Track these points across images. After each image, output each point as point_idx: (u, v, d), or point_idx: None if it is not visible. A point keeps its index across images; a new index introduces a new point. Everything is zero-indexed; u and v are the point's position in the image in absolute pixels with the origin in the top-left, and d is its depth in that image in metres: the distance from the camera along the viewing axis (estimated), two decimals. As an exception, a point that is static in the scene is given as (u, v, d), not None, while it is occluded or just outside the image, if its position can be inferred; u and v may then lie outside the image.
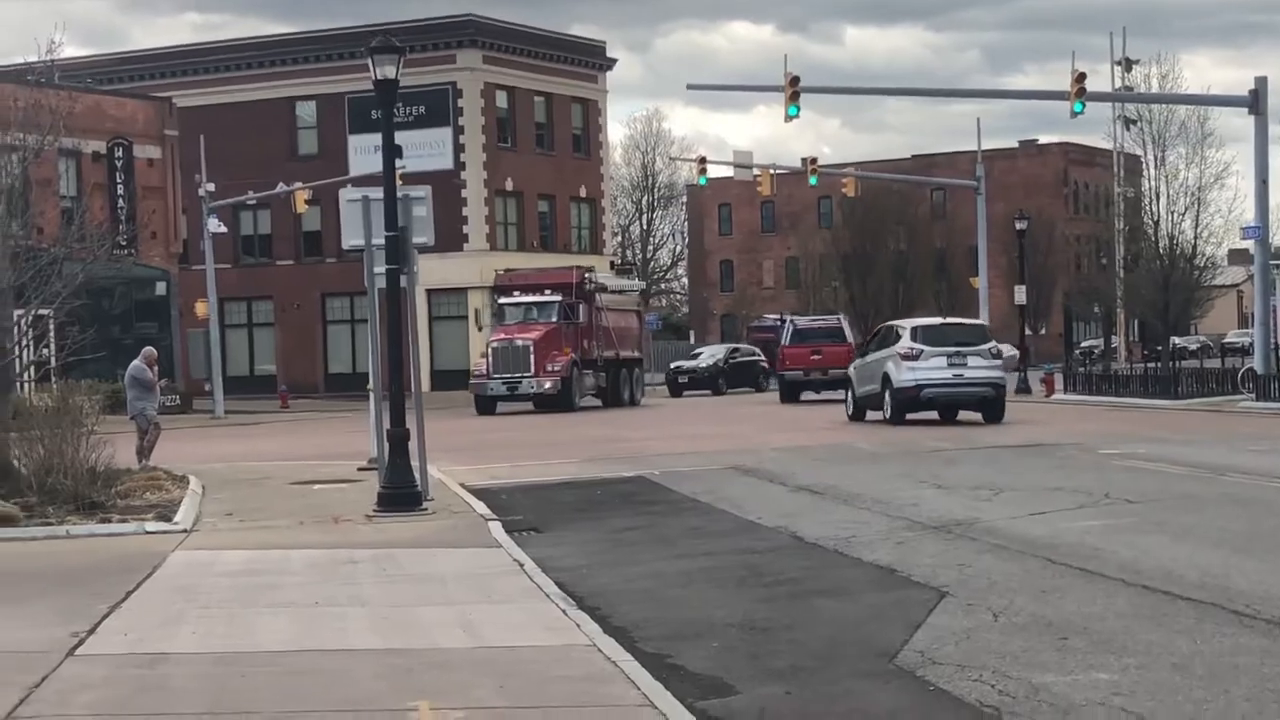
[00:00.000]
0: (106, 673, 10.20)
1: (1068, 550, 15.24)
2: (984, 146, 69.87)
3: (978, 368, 37.03)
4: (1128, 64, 62.26)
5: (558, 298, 54.14)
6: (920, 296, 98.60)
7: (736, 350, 72.83)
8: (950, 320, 47.11)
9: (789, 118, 45.32)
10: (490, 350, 52.62)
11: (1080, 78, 42.68)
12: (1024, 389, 54.91)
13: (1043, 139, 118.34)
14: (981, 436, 32.63)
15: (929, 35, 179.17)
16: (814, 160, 67.57)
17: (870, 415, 38.64)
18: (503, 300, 56.05)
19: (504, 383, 51.71)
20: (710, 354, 72.57)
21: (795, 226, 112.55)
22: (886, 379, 37.11)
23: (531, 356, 51.59)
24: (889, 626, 11.78)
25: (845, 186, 68.71)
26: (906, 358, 36.65)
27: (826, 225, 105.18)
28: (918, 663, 10.52)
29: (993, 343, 39.10)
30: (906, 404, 36.80)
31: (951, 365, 36.58)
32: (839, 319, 60.75)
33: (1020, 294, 61.16)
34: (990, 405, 37.28)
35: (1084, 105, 43.47)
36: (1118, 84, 60.52)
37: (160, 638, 11.52)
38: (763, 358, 68.52)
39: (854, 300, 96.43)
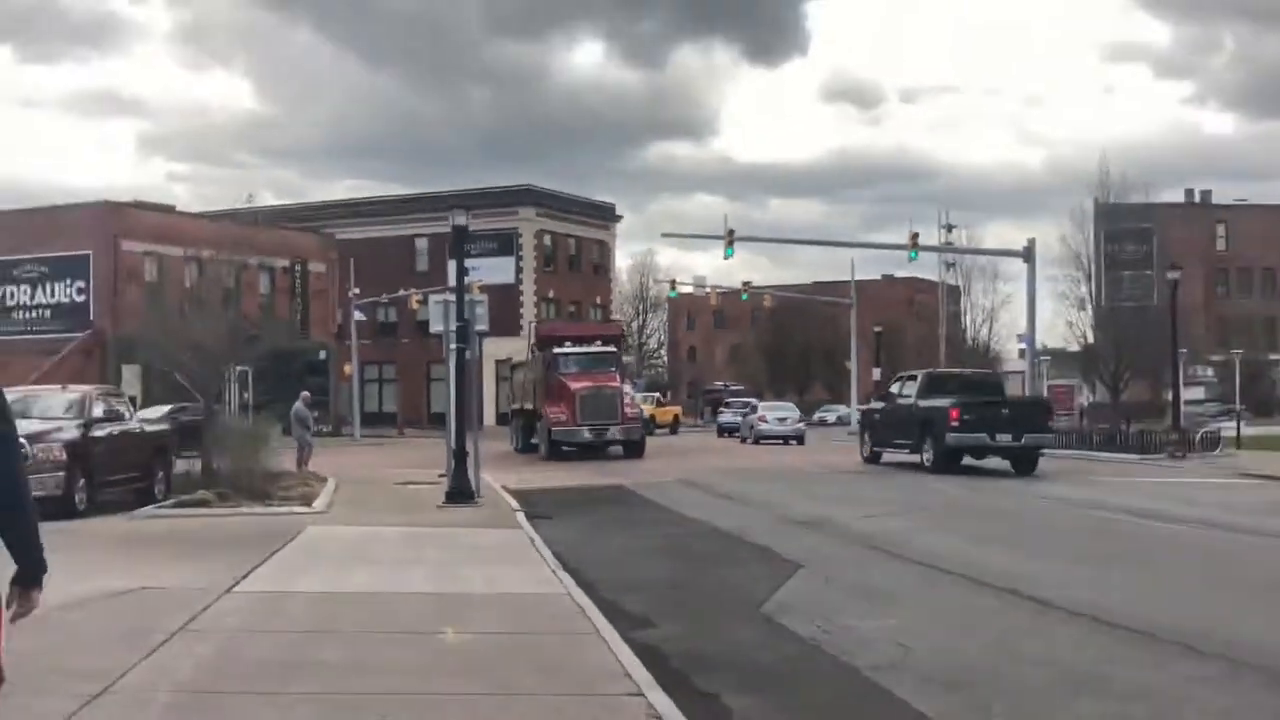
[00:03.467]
0: (248, 604, 10.18)
1: (884, 540, 15.23)
2: (858, 278, 70.25)
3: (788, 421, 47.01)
4: (949, 228, 62.98)
5: (613, 349, 39.45)
6: (814, 375, 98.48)
7: (184, 409, 30.26)
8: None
9: (727, 257, 45.98)
10: (577, 398, 35.14)
11: (914, 236, 43.04)
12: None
13: (898, 274, 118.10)
14: (840, 463, 32.49)
15: (823, 206, 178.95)
16: (748, 284, 68.52)
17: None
18: (558, 351, 37.99)
19: (591, 430, 35.33)
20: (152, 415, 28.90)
21: (736, 326, 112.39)
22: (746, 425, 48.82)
23: (619, 403, 35.77)
24: (761, 586, 11.72)
25: (766, 301, 69.22)
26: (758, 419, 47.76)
27: (756, 325, 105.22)
28: (775, 610, 10.50)
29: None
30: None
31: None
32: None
33: (876, 374, 61.54)
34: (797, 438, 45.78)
35: (917, 254, 43.79)
36: (942, 240, 60.99)
37: (289, 581, 11.49)
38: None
39: (772, 377, 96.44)
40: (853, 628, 9.56)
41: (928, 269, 79.29)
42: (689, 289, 75.99)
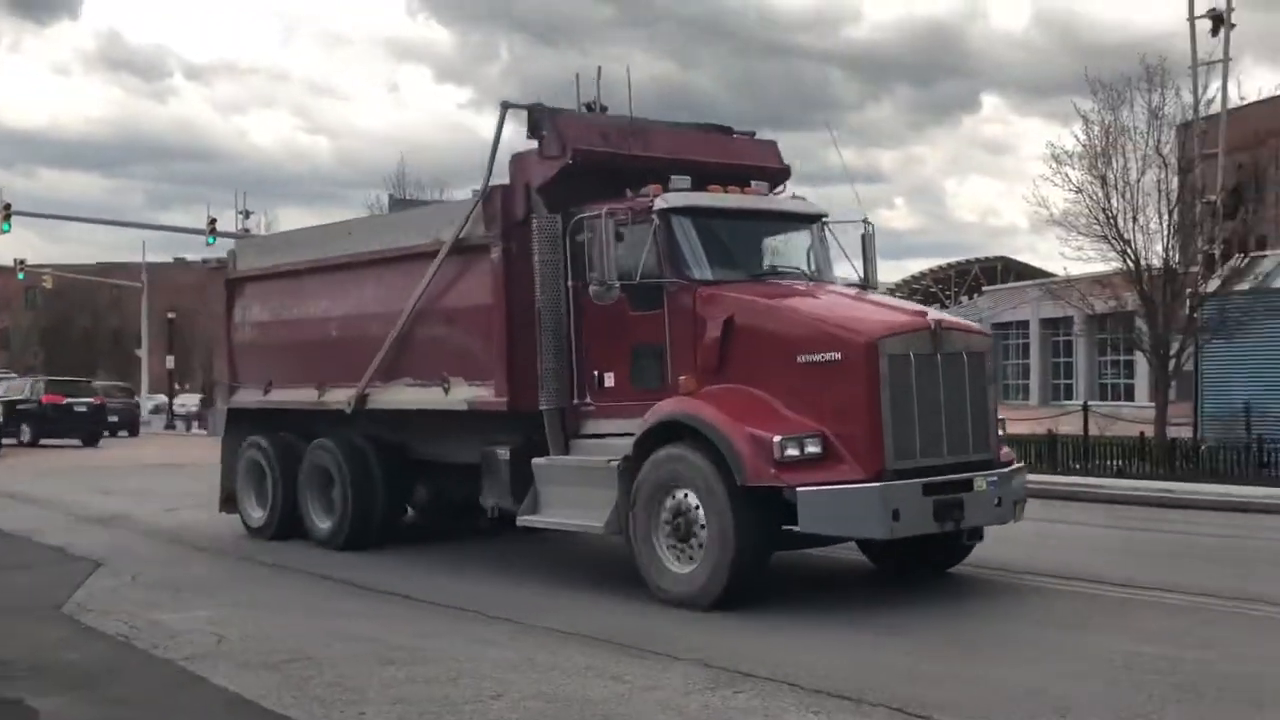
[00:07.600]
0: None
1: (194, 533, 15.14)
2: (153, 260, 67.64)
3: None
4: (247, 213, 61.97)
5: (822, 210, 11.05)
6: (103, 362, 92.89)
7: None
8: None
9: (4, 232, 41.60)
10: (887, 389, 8.24)
11: (212, 222, 42.52)
12: (171, 426, 54.30)
13: (190, 257, 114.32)
14: (132, 457, 31.17)
15: (104, 181, 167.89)
16: (21, 262, 63.30)
17: None
18: (678, 205, 9.59)
19: (933, 495, 8.31)
20: None
21: (9, 307, 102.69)
22: None
23: (989, 404, 9.13)
24: (59, 588, 11.21)
25: (46, 282, 64.18)
26: None
27: (33, 307, 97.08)
28: (76, 610, 10.16)
29: None
30: None
31: None
32: None
33: (170, 361, 60.06)
34: None
35: (216, 239, 43.26)
36: (240, 225, 59.89)
37: None
38: None
39: (51, 362, 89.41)
40: (163, 622, 9.55)
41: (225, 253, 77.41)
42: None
